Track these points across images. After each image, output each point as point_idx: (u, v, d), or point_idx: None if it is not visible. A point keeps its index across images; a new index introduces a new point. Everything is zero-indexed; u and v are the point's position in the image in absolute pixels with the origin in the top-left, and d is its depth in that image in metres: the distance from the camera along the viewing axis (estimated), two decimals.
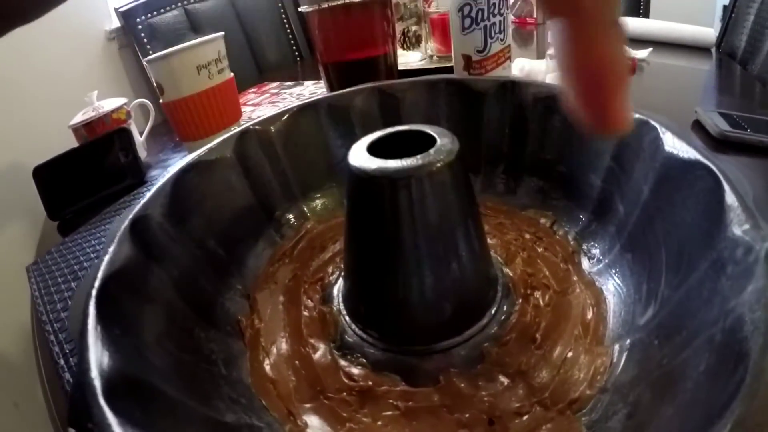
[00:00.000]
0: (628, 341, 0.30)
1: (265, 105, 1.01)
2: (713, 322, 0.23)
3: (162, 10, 1.43)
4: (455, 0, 0.61)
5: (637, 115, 0.36)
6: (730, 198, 0.26)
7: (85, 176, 0.79)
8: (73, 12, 1.42)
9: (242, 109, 0.99)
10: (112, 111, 0.87)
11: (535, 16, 1.56)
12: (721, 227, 0.26)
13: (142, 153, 0.90)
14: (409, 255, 0.31)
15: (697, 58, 1.15)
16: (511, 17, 1.59)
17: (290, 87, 1.12)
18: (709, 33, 1.19)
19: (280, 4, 1.63)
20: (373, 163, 0.30)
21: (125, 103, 0.90)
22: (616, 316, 0.34)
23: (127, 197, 0.74)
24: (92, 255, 0.60)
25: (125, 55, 1.57)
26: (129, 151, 0.80)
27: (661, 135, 0.34)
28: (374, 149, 0.32)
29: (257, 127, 0.47)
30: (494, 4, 0.60)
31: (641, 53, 1.05)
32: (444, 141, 0.31)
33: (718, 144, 0.62)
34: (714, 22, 2.42)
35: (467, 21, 0.61)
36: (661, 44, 1.18)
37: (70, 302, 0.50)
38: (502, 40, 0.63)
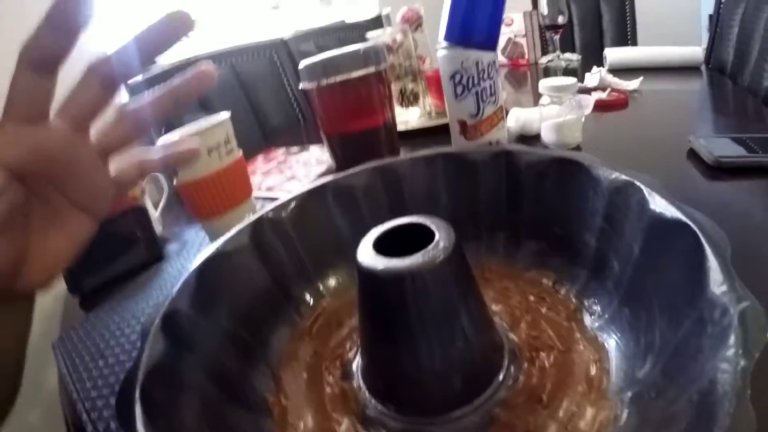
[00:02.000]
0: (629, 394, 0.33)
1: (273, 174, 1.05)
2: (694, 381, 0.26)
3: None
4: (446, 69, 0.65)
5: (623, 177, 0.40)
6: (711, 259, 0.29)
7: (104, 253, 0.81)
8: None
9: (253, 179, 1.02)
10: None
11: (527, 57, 1.60)
12: (702, 287, 0.29)
13: (158, 228, 0.92)
14: (417, 340, 0.34)
15: (687, 79, 1.19)
16: (504, 59, 1.63)
17: (296, 153, 1.16)
18: (696, 52, 1.22)
19: (280, 69, 1.68)
20: (380, 263, 0.33)
21: None
22: (618, 369, 0.36)
23: (146, 273, 0.77)
24: (116, 332, 0.61)
25: None
26: (146, 228, 0.83)
27: (647, 195, 0.37)
28: (380, 242, 0.36)
29: (270, 214, 0.50)
30: (483, 69, 0.63)
31: (631, 84, 1.08)
32: (441, 235, 0.34)
33: (714, 171, 0.64)
34: (701, 33, 2.45)
35: (459, 88, 0.64)
36: (652, 70, 1.21)
37: (99, 381, 0.52)
38: (494, 102, 0.66)
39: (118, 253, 0.81)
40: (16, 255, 0.31)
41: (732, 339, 0.24)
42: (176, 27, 0.32)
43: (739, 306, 0.25)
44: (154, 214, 0.94)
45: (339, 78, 0.72)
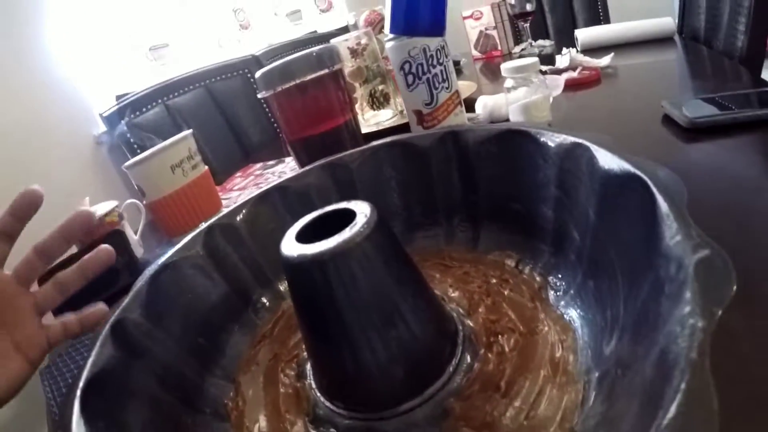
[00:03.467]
0: (597, 373, 0.30)
1: (249, 188, 1.04)
2: (650, 354, 0.22)
3: (144, 109, 1.47)
4: (395, 59, 0.64)
5: (570, 139, 0.37)
6: (663, 207, 0.26)
7: None
8: (62, 121, 1.49)
9: (228, 195, 1.02)
10: (105, 215, 0.89)
11: (499, 48, 1.59)
12: (657, 241, 0.25)
13: (139, 251, 0.92)
14: (350, 329, 0.32)
15: (661, 50, 1.17)
16: (477, 53, 1.62)
17: (273, 166, 1.15)
18: (667, 22, 1.20)
19: (254, 86, 1.68)
20: (298, 249, 0.31)
21: (117, 206, 0.93)
22: (585, 347, 0.33)
23: (126, 297, 0.76)
24: None
25: (115, 156, 1.63)
26: (125, 252, 0.82)
27: (595, 153, 0.34)
28: (306, 233, 0.34)
29: (222, 221, 0.49)
30: (431, 55, 0.62)
31: (603, 61, 1.06)
32: (361, 216, 0.32)
33: (690, 133, 0.62)
34: (673, 5, 2.43)
35: (410, 77, 0.63)
36: (625, 46, 1.20)
37: None
38: (447, 88, 0.64)
39: (100, 278, 0.80)
40: None
41: (687, 295, 0.20)
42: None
43: (695, 256, 0.21)
44: (134, 237, 0.94)
45: (294, 82, 0.71)
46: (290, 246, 0.32)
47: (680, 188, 0.27)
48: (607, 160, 0.33)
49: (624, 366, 0.27)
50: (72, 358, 0.63)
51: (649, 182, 0.28)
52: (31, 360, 0.42)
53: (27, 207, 0.44)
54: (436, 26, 0.61)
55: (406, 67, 0.62)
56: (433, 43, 0.61)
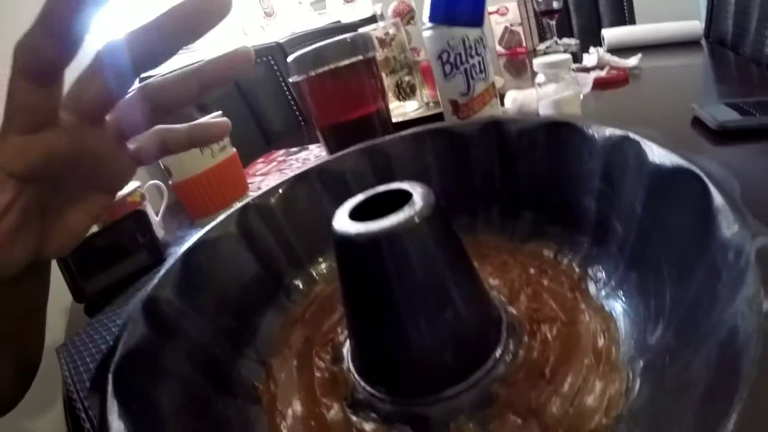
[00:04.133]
0: (641, 362, 0.30)
1: (273, 174, 1.03)
2: (711, 335, 0.23)
3: None
4: (433, 49, 0.63)
5: (618, 132, 0.37)
6: (718, 200, 0.26)
7: (106, 258, 0.81)
8: None
9: (252, 180, 1.02)
10: (127, 195, 0.90)
11: (524, 44, 1.58)
12: (712, 231, 0.25)
13: (160, 232, 0.93)
14: (400, 310, 0.32)
15: (688, 54, 1.16)
16: (502, 49, 1.61)
17: (296, 153, 1.15)
18: (695, 26, 1.19)
19: (278, 73, 1.68)
20: (353, 227, 0.31)
21: (139, 186, 0.93)
22: (628, 337, 0.33)
23: (147, 276, 0.77)
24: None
25: None
26: (146, 232, 0.83)
27: (644, 147, 0.34)
28: (358, 212, 0.34)
29: (257, 201, 0.49)
30: (470, 46, 0.61)
31: (630, 61, 1.05)
32: (418, 196, 0.32)
33: (719, 137, 0.62)
34: (700, 10, 2.41)
35: (447, 67, 0.63)
36: (651, 47, 1.19)
37: None
38: (484, 79, 0.64)
39: (120, 258, 0.82)
40: (36, 241, 0.32)
41: (750, 278, 0.21)
42: (205, 12, 0.29)
43: (755, 242, 0.22)
44: (155, 218, 0.95)
45: (328, 68, 0.71)
46: (344, 223, 0.32)
47: (732, 182, 0.27)
48: (657, 154, 0.32)
49: (672, 354, 0.27)
50: (90, 336, 0.64)
51: (703, 175, 0.28)
52: (114, 191, 0.36)
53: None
54: (476, 17, 0.61)
55: (444, 56, 0.62)
56: (472, 33, 0.61)
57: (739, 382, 0.18)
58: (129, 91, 0.31)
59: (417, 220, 0.30)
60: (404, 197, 0.33)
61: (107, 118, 0.32)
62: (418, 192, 0.33)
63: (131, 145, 0.35)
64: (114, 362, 0.30)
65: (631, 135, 0.35)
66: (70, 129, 0.29)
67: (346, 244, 0.32)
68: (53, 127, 0.28)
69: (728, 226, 0.24)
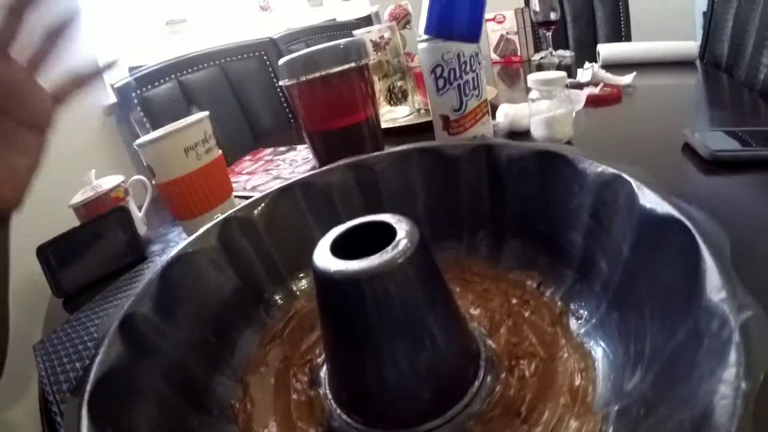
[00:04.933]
0: (617, 407, 0.30)
1: (259, 173, 1.02)
2: (686, 403, 0.22)
3: (156, 83, 1.46)
4: (427, 62, 0.62)
5: (610, 170, 0.37)
6: (707, 259, 0.25)
7: (87, 254, 0.81)
8: None
9: (237, 179, 1.01)
10: (110, 190, 0.89)
11: (519, 53, 1.58)
12: (699, 292, 0.25)
13: (142, 229, 0.92)
14: (378, 347, 0.31)
15: (682, 74, 1.16)
16: (496, 57, 1.61)
17: (284, 152, 1.13)
18: (690, 46, 1.19)
19: (270, 69, 1.66)
20: (334, 265, 0.30)
21: (123, 181, 0.92)
22: (605, 379, 0.33)
23: (128, 274, 0.76)
24: (96, 335, 0.60)
25: (123, 129, 1.61)
26: (128, 229, 0.83)
27: (636, 189, 0.34)
28: (340, 244, 0.33)
29: (239, 214, 0.48)
30: (465, 62, 0.61)
31: (624, 79, 1.05)
32: (402, 234, 0.31)
33: (710, 165, 0.62)
34: (695, 30, 2.43)
35: (440, 82, 0.62)
36: (645, 65, 1.18)
37: (75, 383, 0.51)
38: (477, 96, 0.63)
39: (101, 254, 0.82)
40: None
41: (732, 357, 0.20)
42: None
43: (740, 316, 0.21)
44: (138, 214, 0.94)
45: (319, 74, 0.70)
46: (325, 258, 0.31)
47: (723, 239, 0.27)
48: (649, 199, 0.32)
49: (648, 406, 0.27)
50: (68, 334, 0.63)
51: (693, 230, 0.27)
52: (43, 129, 0.40)
53: None
54: (473, 32, 0.60)
55: (438, 70, 0.61)
56: (467, 49, 0.60)
57: None
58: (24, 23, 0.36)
59: (400, 261, 0.29)
60: (388, 231, 0.32)
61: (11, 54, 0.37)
62: (403, 229, 0.32)
63: (47, 84, 0.40)
64: (88, 389, 0.30)
65: (624, 175, 0.35)
66: None
67: (327, 281, 0.31)
68: None
69: (716, 292, 0.24)
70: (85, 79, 0.42)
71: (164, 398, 0.35)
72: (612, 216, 0.36)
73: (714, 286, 0.24)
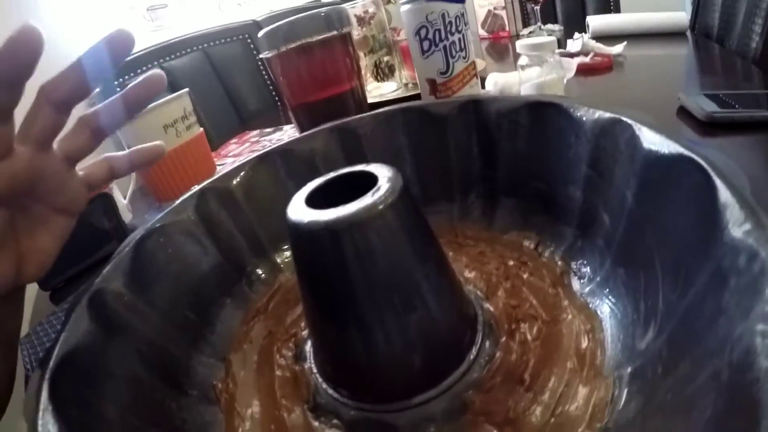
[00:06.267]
0: (629, 369, 0.27)
1: (245, 155, 0.99)
2: (718, 352, 0.19)
3: (138, 71, 1.42)
4: (410, 24, 0.60)
5: (608, 115, 0.34)
6: (725, 194, 0.22)
7: (72, 244, 0.77)
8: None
9: (223, 162, 0.98)
10: None
11: (507, 29, 1.56)
12: (718, 230, 0.22)
13: (127, 216, 0.89)
14: (363, 309, 0.28)
15: (673, 44, 1.14)
16: (484, 33, 1.59)
17: (270, 133, 1.11)
18: (681, 17, 1.18)
19: (254, 52, 1.63)
20: (309, 215, 0.27)
21: None
22: (614, 340, 0.30)
23: (106, 264, 0.73)
24: None
25: None
26: (112, 216, 0.79)
27: (637, 132, 0.31)
28: (318, 197, 0.30)
29: (216, 184, 0.46)
30: (450, 22, 0.58)
31: (615, 49, 1.04)
32: (384, 180, 0.29)
33: (706, 127, 0.60)
34: (684, 1, 2.42)
35: (426, 44, 0.59)
36: (635, 36, 1.17)
37: None
38: (464, 57, 0.61)
39: (85, 243, 0.78)
40: (14, 264, 0.36)
41: None
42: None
43: None
44: (123, 201, 0.90)
45: (300, 42, 0.67)
46: (299, 210, 0.28)
47: (740, 177, 0.23)
48: (654, 140, 0.29)
49: (666, 365, 0.24)
50: (53, 326, 0.60)
51: (706, 166, 0.24)
52: (74, 213, 0.41)
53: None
54: None
55: (423, 32, 0.59)
56: (452, 9, 0.58)
57: (762, 417, 0.15)
58: (67, 118, 0.36)
59: (381, 207, 0.27)
60: (370, 181, 0.29)
61: (54, 146, 0.37)
62: (384, 175, 0.29)
63: (81, 172, 0.40)
64: (51, 365, 0.28)
65: (624, 118, 0.32)
66: (25, 157, 0.33)
67: (301, 234, 0.28)
68: (11, 157, 0.32)
69: (738, 225, 0.21)
70: (121, 170, 0.43)
71: (139, 379, 0.32)
72: (613, 164, 0.34)
73: (736, 219, 0.21)
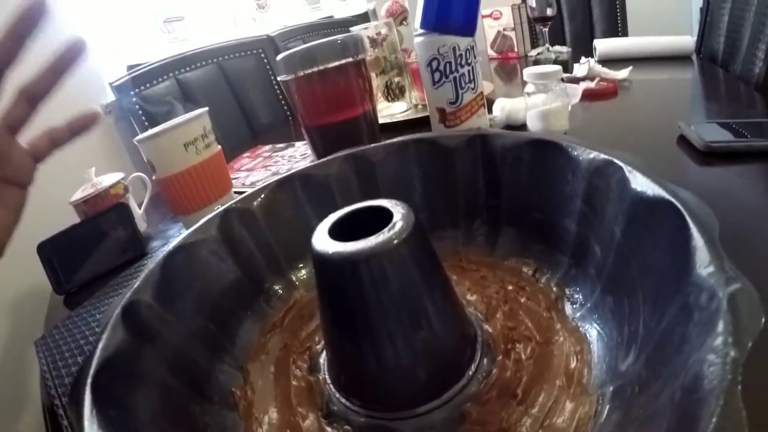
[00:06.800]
0: (611, 388, 0.30)
1: (258, 170, 1.03)
2: (678, 375, 0.23)
3: (154, 82, 1.46)
4: (423, 55, 0.63)
5: (602, 156, 0.37)
6: (696, 237, 0.26)
7: (88, 251, 0.81)
8: (69, 88, 1.46)
9: (236, 175, 1.01)
10: (110, 186, 0.89)
11: (516, 49, 1.59)
12: (689, 269, 0.25)
13: (142, 225, 0.92)
14: (376, 329, 0.32)
15: (678, 69, 1.16)
16: (493, 53, 1.62)
17: (282, 149, 1.14)
18: (687, 41, 1.20)
19: (268, 66, 1.67)
20: (332, 247, 0.31)
21: (122, 178, 0.93)
22: (600, 361, 0.33)
23: (129, 270, 0.76)
24: (97, 329, 0.60)
25: (122, 127, 1.61)
26: (128, 225, 0.83)
27: (627, 174, 0.34)
28: (338, 228, 0.34)
29: (239, 205, 0.49)
30: (461, 55, 0.62)
31: (621, 74, 1.06)
32: (398, 216, 0.32)
33: (705, 157, 0.62)
34: (692, 25, 2.42)
35: (437, 75, 0.63)
36: (642, 60, 1.19)
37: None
38: (473, 89, 0.64)
39: (101, 250, 0.82)
40: None
41: (720, 326, 0.21)
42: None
43: (728, 288, 0.22)
44: (138, 211, 0.94)
45: (317, 68, 0.70)
46: (323, 241, 0.32)
47: (712, 220, 0.27)
48: (640, 183, 0.33)
49: (642, 384, 0.27)
50: (69, 330, 0.63)
51: (683, 210, 0.28)
52: (25, 185, 0.43)
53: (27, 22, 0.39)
54: (468, 26, 0.61)
55: (434, 64, 0.62)
56: (463, 42, 0.61)
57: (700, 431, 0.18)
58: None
59: (395, 242, 0.30)
60: (386, 216, 0.33)
61: None
62: (398, 212, 0.33)
63: (26, 145, 0.43)
64: (92, 372, 0.30)
65: (616, 160, 0.36)
66: None
67: (324, 263, 0.32)
68: None
69: (704, 267, 0.24)
70: (62, 139, 0.45)
71: (166, 385, 0.35)
72: (605, 201, 0.37)
73: (703, 261, 0.25)
